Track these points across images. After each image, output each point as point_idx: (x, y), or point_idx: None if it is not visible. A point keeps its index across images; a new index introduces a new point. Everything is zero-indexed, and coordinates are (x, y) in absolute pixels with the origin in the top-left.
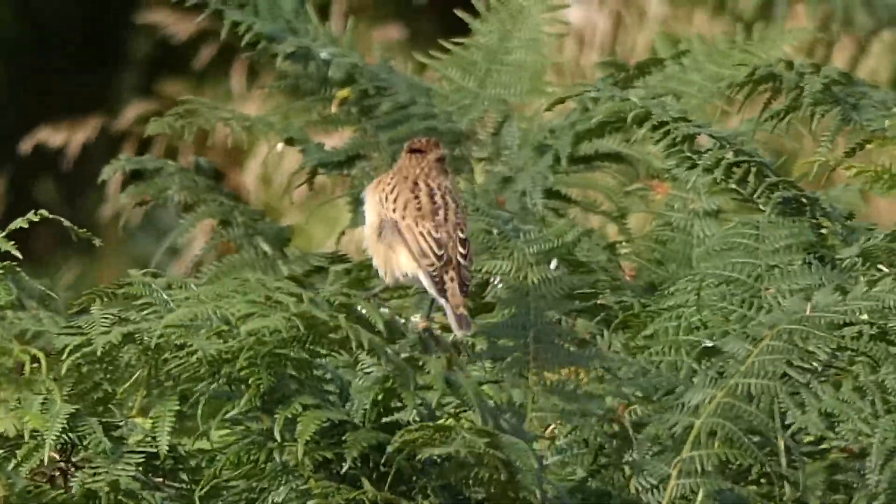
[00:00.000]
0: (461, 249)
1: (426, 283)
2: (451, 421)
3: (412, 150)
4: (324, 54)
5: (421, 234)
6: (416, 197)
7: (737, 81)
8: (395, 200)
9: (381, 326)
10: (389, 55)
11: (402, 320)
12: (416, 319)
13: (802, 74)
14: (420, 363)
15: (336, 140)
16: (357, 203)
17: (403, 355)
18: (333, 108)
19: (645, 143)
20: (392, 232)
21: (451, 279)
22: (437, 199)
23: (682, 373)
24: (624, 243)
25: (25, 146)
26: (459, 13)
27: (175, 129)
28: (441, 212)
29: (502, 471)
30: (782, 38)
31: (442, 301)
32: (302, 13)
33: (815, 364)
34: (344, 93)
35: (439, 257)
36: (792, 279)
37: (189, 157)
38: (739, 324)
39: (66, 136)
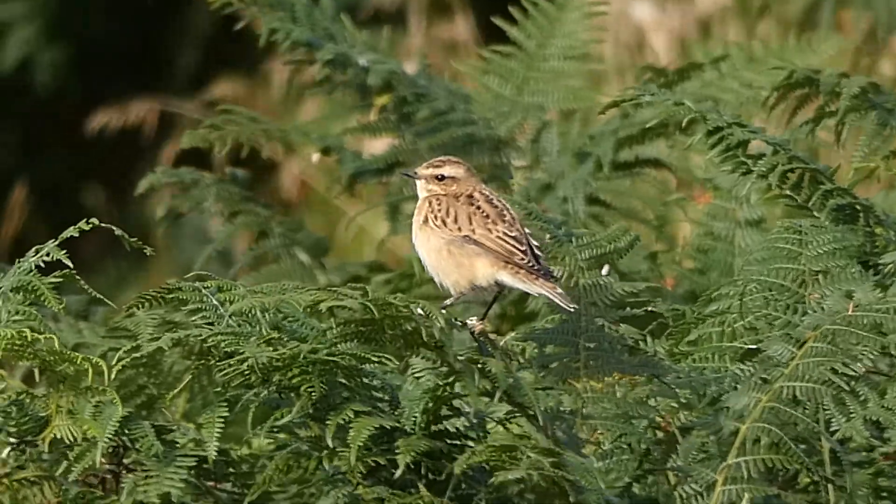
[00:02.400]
0: (534, 242)
1: (513, 280)
2: (502, 430)
3: (440, 178)
4: (362, 61)
5: (499, 237)
6: (478, 207)
7: (774, 85)
8: (455, 220)
9: (442, 323)
10: (427, 61)
11: (459, 323)
12: (473, 322)
13: (838, 80)
14: (480, 363)
15: (375, 147)
16: (395, 212)
17: (463, 356)
18: (372, 116)
19: (686, 150)
20: (464, 246)
21: (538, 269)
22: (496, 202)
23: (726, 379)
24: (665, 252)
25: (91, 127)
26: (497, 21)
27: (210, 142)
28: (506, 213)
29: (570, 492)
30: (820, 47)
31: (538, 289)
32: (339, 20)
33: (859, 368)
34: (383, 99)
35: (524, 252)
36: (836, 284)
37: (225, 168)
38: (783, 330)
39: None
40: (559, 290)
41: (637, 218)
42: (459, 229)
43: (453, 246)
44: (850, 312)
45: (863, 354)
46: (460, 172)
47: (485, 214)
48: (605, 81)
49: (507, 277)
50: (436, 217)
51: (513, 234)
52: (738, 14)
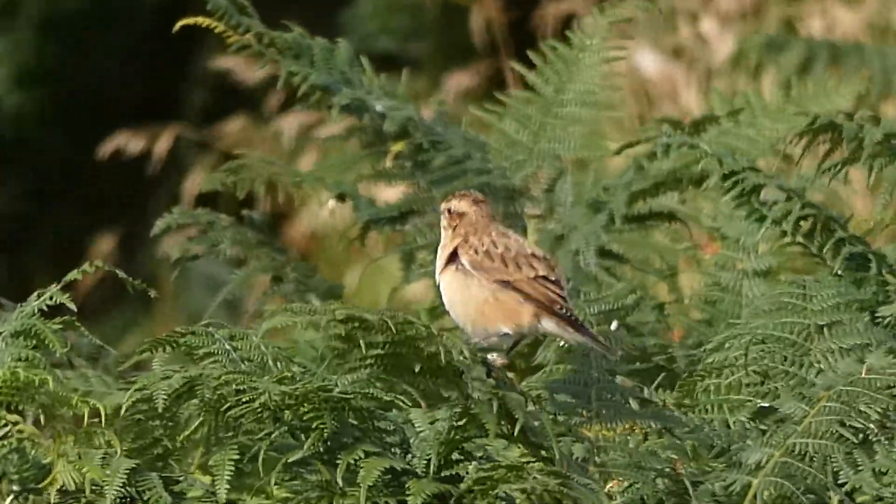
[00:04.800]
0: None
1: (557, 329)
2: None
3: (450, 212)
4: (378, 107)
5: (538, 281)
6: (508, 249)
7: (797, 131)
8: (492, 260)
9: (466, 353)
10: (444, 108)
11: (480, 357)
12: (494, 357)
13: (862, 126)
14: (501, 396)
15: (390, 194)
16: (408, 260)
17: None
18: (388, 162)
19: (697, 201)
20: (508, 293)
21: (574, 318)
22: (524, 243)
23: (733, 431)
24: (673, 303)
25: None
26: (515, 65)
27: (227, 186)
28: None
29: None
30: (836, 92)
31: (581, 339)
32: (357, 64)
33: (870, 425)
34: (398, 146)
35: (563, 298)
36: (842, 338)
37: (243, 211)
38: (789, 383)
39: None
40: (601, 338)
41: (648, 269)
42: (503, 267)
43: (500, 293)
44: (863, 375)
45: (875, 412)
46: (464, 206)
47: (525, 262)
48: (620, 130)
49: (551, 326)
50: (475, 261)
51: (552, 279)
52: (735, 69)
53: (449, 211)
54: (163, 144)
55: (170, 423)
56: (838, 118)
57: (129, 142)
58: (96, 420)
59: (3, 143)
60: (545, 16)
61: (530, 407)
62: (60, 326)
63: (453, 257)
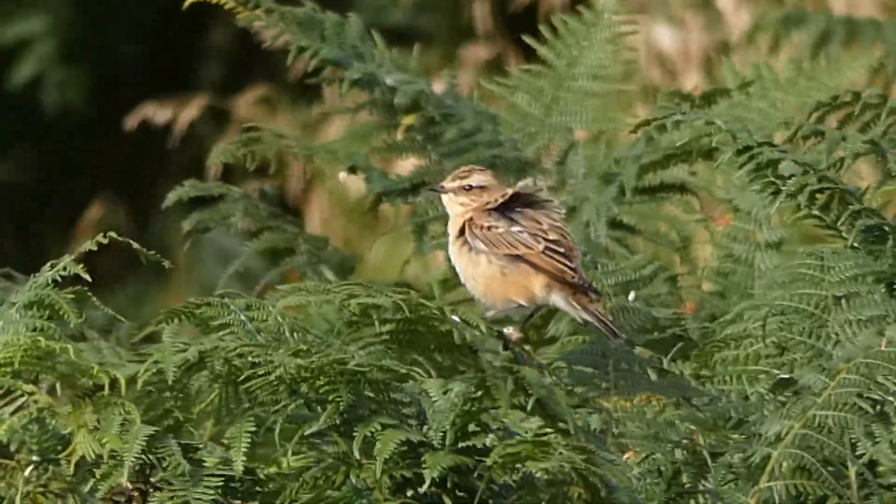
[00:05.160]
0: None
1: (565, 305)
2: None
3: (468, 189)
4: (389, 80)
5: (547, 252)
6: (518, 223)
7: (823, 102)
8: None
9: (483, 328)
10: (456, 82)
11: (496, 331)
12: (510, 330)
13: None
14: (516, 370)
15: (402, 167)
16: (420, 232)
17: (498, 363)
18: (399, 136)
19: (708, 173)
20: (518, 266)
21: (586, 286)
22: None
23: (750, 402)
24: (685, 275)
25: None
26: (527, 39)
27: (238, 158)
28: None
29: (601, 488)
30: (849, 66)
31: (587, 317)
32: (368, 38)
33: (888, 397)
34: (409, 119)
35: (574, 269)
36: (859, 310)
37: (253, 184)
38: (807, 354)
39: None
40: (609, 319)
41: (660, 241)
42: (509, 245)
43: (507, 269)
44: (883, 348)
45: (893, 384)
46: (488, 180)
47: (535, 232)
48: (631, 104)
49: (560, 301)
50: (485, 237)
51: (560, 249)
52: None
53: (470, 187)
54: (187, 115)
55: (180, 395)
56: (847, 97)
57: (155, 113)
58: (112, 390)
59: (46, 117)
60: None
61: (547, 379)
62: (73, 297)
63: (464, 230)
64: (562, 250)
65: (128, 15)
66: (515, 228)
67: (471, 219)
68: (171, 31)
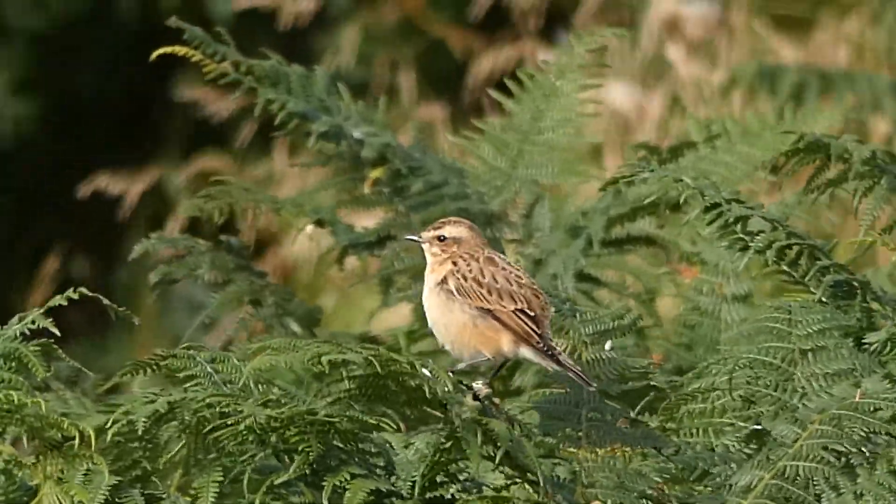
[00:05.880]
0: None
1: (535, 356)
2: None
3: (441, 239)
4: (356, 133)
5: (516, 314)
6: (495, 278)
7: (783, 151)
8: (481, 287)
9: (449, 386)
10: (422, 135)
11: (465, 386)
12: (479, 385)
13: (848, 147)
14: (485, 423)
15: (368, 220)
16: (387, 285)
17: (467, 416)
18: (366, 189)
19: (675, 226)
20: (487, 320)
21: (550, 353)
22: (512, 272)
23: (716, 454)
24: (652, 327)
25: (83, 192)
26: (494, 93)
27: (205, 211)
28: (522, 279)
29: None
30: (815, 120)
31: (556, 366)
32: (334, 91)
33: (858, 448)
34: (377, 172)
35: (539, 336)
36: (825, 364)
37: (220, 237)
38: (773, 407)
39: (124, 186)
40: (578, 369)
41: (626, 293)
42: (486, 295)
43: (479, 320)
44: (857, 399)
45: (858, 433)
46: (462, 232)
47: (503, 285)
48: (597, 157)
49: (528, 353)
50: (461, 287)
51: (531, 314)
52: (724, 98)
53: (441, 237)
54: (138, 188)
55: (149, 445)
56: (824, 139)
57: (107, 184)
58: (78, 442)
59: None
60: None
61: (516, 431)
62: (39, 350)
63: (440, 280)
64: (532, 314)
65: (89, 58)
66: (495, 282)
67: (454, 264)
68: (131, 80)
